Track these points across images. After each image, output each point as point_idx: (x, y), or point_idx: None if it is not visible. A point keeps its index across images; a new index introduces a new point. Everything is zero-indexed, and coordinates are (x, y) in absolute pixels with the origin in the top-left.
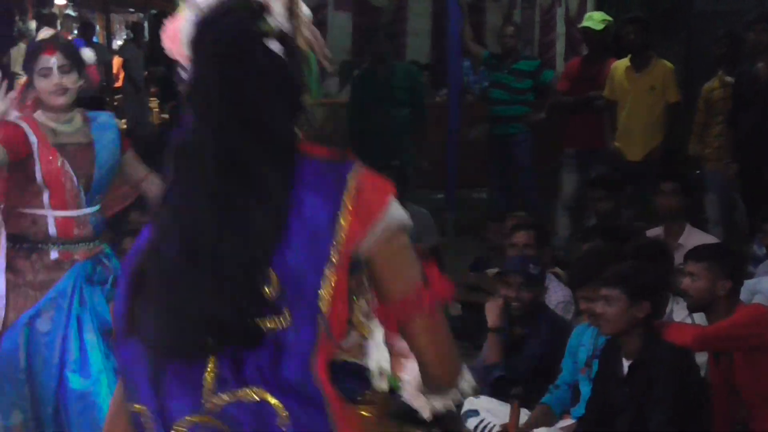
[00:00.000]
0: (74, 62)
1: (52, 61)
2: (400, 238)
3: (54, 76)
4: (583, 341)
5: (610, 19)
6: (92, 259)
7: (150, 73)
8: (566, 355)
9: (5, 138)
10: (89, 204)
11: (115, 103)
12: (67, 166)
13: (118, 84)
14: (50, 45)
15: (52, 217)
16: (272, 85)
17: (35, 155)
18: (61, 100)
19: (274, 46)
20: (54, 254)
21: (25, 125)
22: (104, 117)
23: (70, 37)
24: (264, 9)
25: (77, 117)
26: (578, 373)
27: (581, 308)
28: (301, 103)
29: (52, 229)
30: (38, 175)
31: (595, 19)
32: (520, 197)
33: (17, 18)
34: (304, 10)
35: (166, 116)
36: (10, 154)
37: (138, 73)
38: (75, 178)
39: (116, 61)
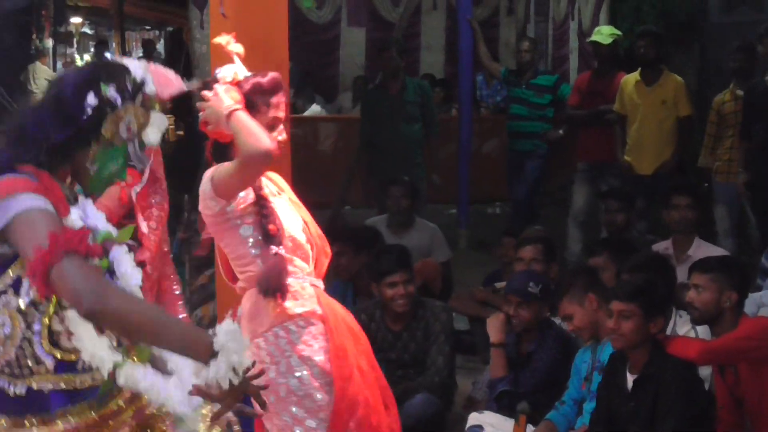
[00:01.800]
0: None
1: None
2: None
3: None
4: (584, 357)
5: (619, 33)
6: None
7: None
8: (573, 372)
9: None
10: None
11: None
12: None
13: None
14: None
15: None
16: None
17: None
18: None
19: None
20: None
21: None
22: None
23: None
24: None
25: None
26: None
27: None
28: None
29: None
30: None
31: (603, 34)
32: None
33: (34, 36)
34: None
35: (181, 133)
36: None
37: None
38: None
39: None
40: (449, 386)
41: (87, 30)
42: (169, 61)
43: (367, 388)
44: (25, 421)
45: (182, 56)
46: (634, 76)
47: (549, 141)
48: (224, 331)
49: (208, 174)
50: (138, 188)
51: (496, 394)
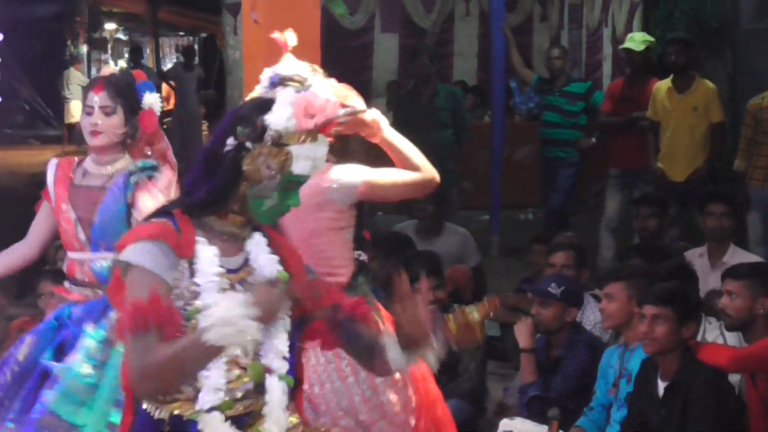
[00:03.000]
0: (122, 105)
1: (95, 99)
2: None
3: (94, 116)
4: (612, 362)
5: (652, 39)
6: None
7: (200, 96)
8: (599, 376)
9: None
10: (93, 249)
11: (164, 127)
12: (68, 206)
13: (169, 107)
14: (100, 82)
15: (67, 258)
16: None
17: (51, 194)
18: (95, 141)
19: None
20: (60, 286)
21: (51, 165)
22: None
23: (122, 63)
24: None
25: (120, 162)
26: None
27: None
28: None
29: (65, 267)
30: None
31: (635, 40)
32: (560, 218)
33: (69, 42)
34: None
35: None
36: (44, 196)
37: (191, 96)
38: (74, 220)
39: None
40: (481, 392)
41: (121, 36)
42: (203, 68)
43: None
44: None
45: (216, 62)
46: (666, 83)
47: (581, 149)
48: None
49: (349, 170)
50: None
51: (526, 399)
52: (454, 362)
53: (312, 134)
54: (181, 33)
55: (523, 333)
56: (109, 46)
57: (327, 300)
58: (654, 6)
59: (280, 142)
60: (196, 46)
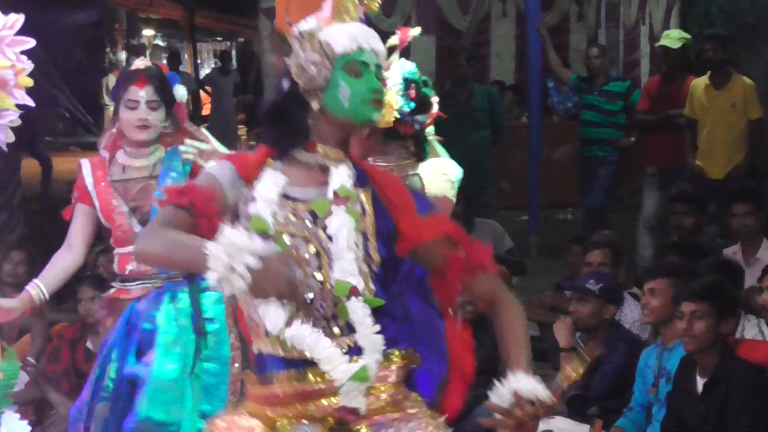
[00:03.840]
0: (164, 98)
1: (141, 93)
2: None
3: (140, 110)
4: (650, 362)
5: (688, 36)
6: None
7: (238, 101)
8: (637, 377)
9: (76, 187)
10: None
11: None
12: (119, 201)
13: (206, 112)
14: (142, 76)
15: (116, 255)
16: None
17: (93, 195)
18: (142, 136)
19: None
20: (111, 293)
21: (85, 167)
22: (181, 148)
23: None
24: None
25: (158, 152)
26: (648, 394)
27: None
28: None
29: (115, 267)
30: (99, 214)
31: (672, 38)
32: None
33: (108, 49)
34: None
35: (254, 143)
36: (80, 200)
37: (227, 101)
38: (127, 213)
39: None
40: None
41: (159, 42)
42: (241, 72)
43: None
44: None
45: (253, 66)
46: (703, 80)
47: (621, 149)
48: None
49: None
50: None
51: (566, 398)
52: (492, 362)
53: (338, 13)
54: (219, 38)
55: (562, 332)
56: (148, 52)
57: (436, 231)
58: (691, 3)
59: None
60: (233, 51)
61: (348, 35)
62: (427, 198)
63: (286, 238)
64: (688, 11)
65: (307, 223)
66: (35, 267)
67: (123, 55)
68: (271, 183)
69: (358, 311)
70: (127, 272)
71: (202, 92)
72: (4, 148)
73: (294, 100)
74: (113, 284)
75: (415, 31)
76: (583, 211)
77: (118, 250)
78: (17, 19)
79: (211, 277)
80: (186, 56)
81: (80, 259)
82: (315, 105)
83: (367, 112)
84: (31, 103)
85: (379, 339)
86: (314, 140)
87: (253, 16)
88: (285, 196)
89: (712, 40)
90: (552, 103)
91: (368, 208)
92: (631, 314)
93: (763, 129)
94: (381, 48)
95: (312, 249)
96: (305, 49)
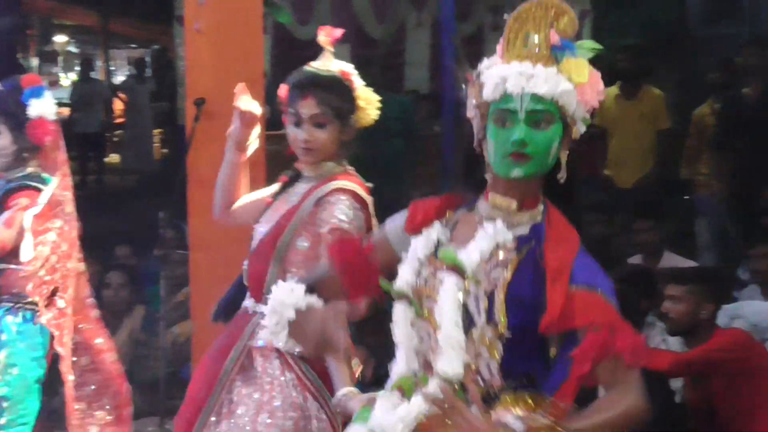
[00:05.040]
0: (5, 123)
1: None
2: None
3: None
4: None
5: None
6: None
7: (153, 108)
8: None
9: None
10: None
11: (115, 139)
12: None
13: (120, 120)
14: None
15: None
16: None
17: None
18: None
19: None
20: None
21: None
22: None
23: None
24: None
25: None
26: None
27: None
28: None
29: None
30: None
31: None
32: None
33: (20, 55)
34: None
35: (167, 151)
36: None
37: (144, 108)
38: None
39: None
40: None
41: (72, 48)
42: (156, 80)
43: None
44: None
45: (168, 74)
46: (613, 90)
47: None
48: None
49: None
50: (35, 210)
51: None
52: None
53: (506, 48)
54: (133, 45)
55: None
56: (60, 58)
57: (581, 317)
58: (605, 14)
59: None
60: (147, 58)
61: (498, 78)
62: (595, 266)
63: (426, 301)
64: (601, 22)
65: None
66: None
67: (35, 62)
68: (425, 238)
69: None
70: None
71: (116, 99)
72: None
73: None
74: None
75: (338, 31)
76: None
77: None
78: None
79: (263, 334)
80: (99, 63)
81: None
82: (484, 153)
83: (505, 168)
84: None
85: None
86: (489, 188)
87: (168, 23)
88: (435, 254)
89: (627, 50)
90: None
91: (507, 273)
92: None
93: (671, 139)
94: (543, 90)
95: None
96: (470, 94)
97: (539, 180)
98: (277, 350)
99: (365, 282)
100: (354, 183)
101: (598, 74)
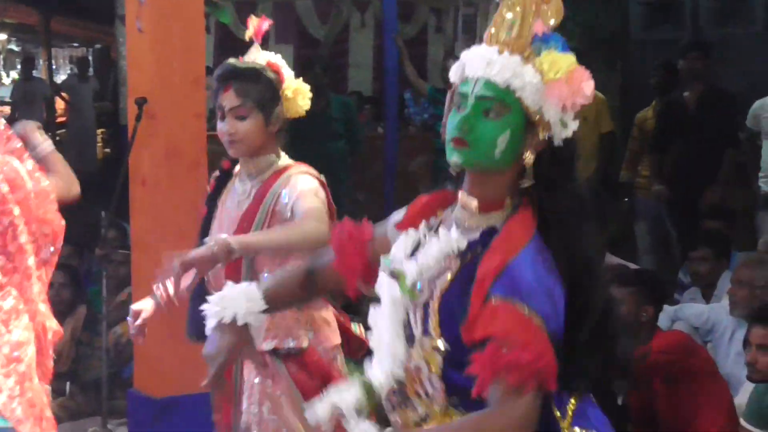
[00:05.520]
0: None
1: None
2: None
3: None
4: None
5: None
6: None
7: (96, 108)
8: None
9: None
10: None
11: (57, 138)
12: None
13: (63, 119)
14: None
15: None
16: None
17: None
18: None
19: None
20: None
21: None
22: None
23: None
24: None
25: None
26: None
27: None
28: None
29: None
30: None
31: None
32: None
33: None
34: None
35: (109, 151)
36: None
37: (86, 108)
38: None
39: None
40: None
41: (13, 47)
42: (98, 79)
43: None
44: None
45: (110, 74)
46: None
47: None
48: None
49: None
50: None
51: None
52: None
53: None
54: (75, 44)
55: None
56: (1, 56)
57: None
58: None
59: None
60: (90, 57)
61: (463, 60)
62: (532, 275)
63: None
64: None
65: None
66: None
67: None
68: (403, 241)
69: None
70: None
71: (58, 98)
72: None
73: None
74: None
75: (265, 24)
76: None
77: None
78: None
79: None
80: (41, 61)
81: None
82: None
83: (449, 154)
84: None
85: None
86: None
87: (109, 22)
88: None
89: None
90: (409, 114)
91: (446, 282)
92: None
93: (613, 142)
94: (498, 77)
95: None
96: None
97: (507, 179)
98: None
99: (359, 268)
100: (309, 168)
101: (584, 74)
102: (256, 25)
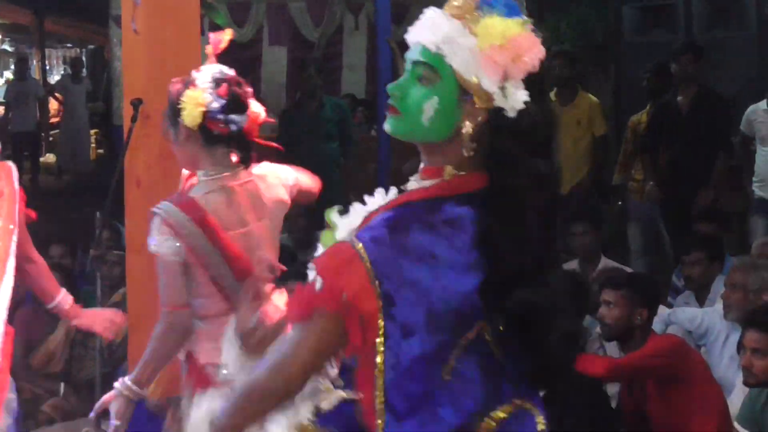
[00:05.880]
0: None
1: None
2: None
3: None
4: None
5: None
6: None
7: (89, 108)
8: None
9: None
10: None
11: (51, 139)
12: None
13: (56, 119)
14: None
15: None
16: None
17: None
18: None
19: None
20: None
21: None
22: None
23: (7, 74)
24: None
25: None
26: None
27: None
28: None
29: None
30: None
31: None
32: None
33: None
34: None
35: (102, 151)
36: None
37: (80, 108)
38: None
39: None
40: None
41: (7, 47)
42: (92, 80)
43: None
44: None
45: (103, 74)
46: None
47: None
48: None
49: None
50: None
51: None
52: None
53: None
54: (69, 44)
55: None
56: None
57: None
58: (540, 20)
59: None
60: (83, 58)
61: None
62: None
63: None
64: (537, 28)
65: None
66: None
67: None
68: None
69: None
70: None
71: (51, 99)
72: None
73: None
74: None
75: (228, 34)
76: None
77: None
78: None
79: None
80: (34, 62)
81: None
82: None
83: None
84: None
85: None
86: None
87: (103, 23)
88: None
89: (561, 56)
90: None
91: None
92: None
93: (607, 145)
94: (428, 41)
95: None
96: None
97: (451, 149)
98: None
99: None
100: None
101: (528, 40)
102: (214, 39)
